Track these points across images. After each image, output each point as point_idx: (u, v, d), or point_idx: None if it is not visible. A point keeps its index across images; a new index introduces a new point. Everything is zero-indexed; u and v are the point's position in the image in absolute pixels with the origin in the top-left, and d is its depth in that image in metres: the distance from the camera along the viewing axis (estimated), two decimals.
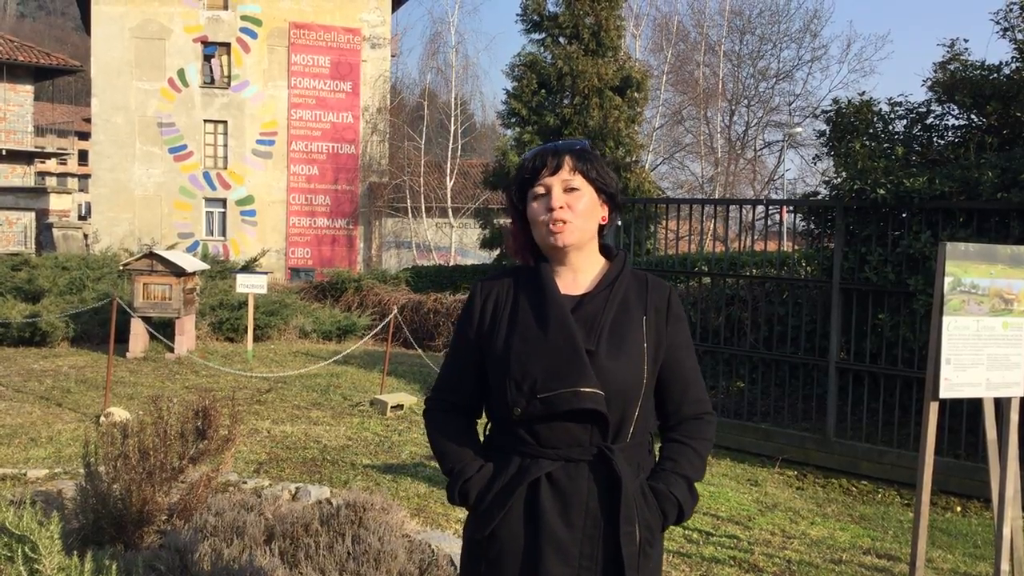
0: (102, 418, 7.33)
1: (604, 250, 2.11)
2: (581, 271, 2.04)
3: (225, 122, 29.28)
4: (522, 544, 1.92)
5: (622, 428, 1.95)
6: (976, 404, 4.69)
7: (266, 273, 13.26)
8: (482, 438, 2.11)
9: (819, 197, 8.84)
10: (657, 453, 2.10)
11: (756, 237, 10.35)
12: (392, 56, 32.14)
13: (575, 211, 1.98)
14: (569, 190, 1.99)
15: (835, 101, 8.87)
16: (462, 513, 3.65)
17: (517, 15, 22.44)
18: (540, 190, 2.01)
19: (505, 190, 2.17)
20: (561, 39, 21.75)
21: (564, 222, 1.97)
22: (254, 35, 29.40)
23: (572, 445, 1.92)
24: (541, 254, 2.07)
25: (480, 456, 2.03)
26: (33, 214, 27.31)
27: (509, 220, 2.15)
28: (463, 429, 2.09)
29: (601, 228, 2.08)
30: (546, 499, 1.91)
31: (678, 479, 2.00)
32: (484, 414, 2.13)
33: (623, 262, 2.08)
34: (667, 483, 1.99)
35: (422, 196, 29.56)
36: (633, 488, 1.93)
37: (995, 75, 8.10)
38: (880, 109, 8.62)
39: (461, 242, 29.82)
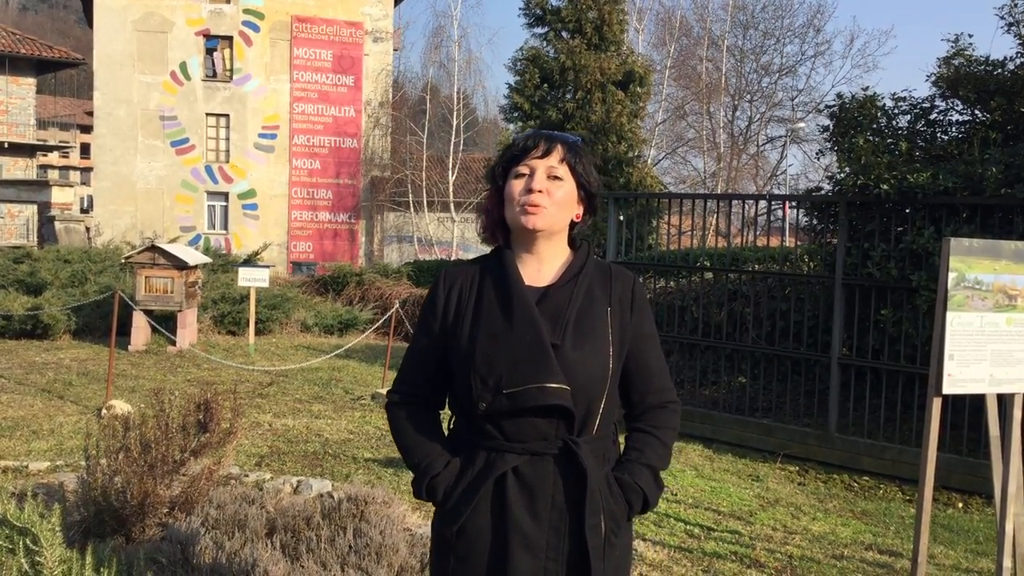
0: (104, 411, 7.33)
1: (571, 243, 2.10)
2: (546, 261, 2.04)
3: (227, 116, 29.24)
4: (489, 538, 1.92)
5: (587, 421, 1.95)
6: (979, 400, 4.68)
7: (268, 267, 13.25)
8: (446, 431, 2.10)
9: (822, 192, 8.82)
10: (622, 442, 2.10)
11: (758, 232, 10.33)
12: (394, 50, 32.07)
13: (553, 198, 1.98)
14: (552, 178, 2.00)
15: (839, 96, 8.85)
16: None
17: (520, 9, 22.42)
18: (524, 170, 2.01)
19: (490, 166, 2.16)
20: (564, 33, 21.72)
21: (539, 205, 1.97)
22: (256, 28, 29.35)
23: (537, 439, 1.92)
24: (509, 237, 2.06)
25: (446, 451, 2.02)
26: (35, 207, 27.33)
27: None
28: (428, 423, 2.07)
29: (573, 225, 2.07)
30: (512, 493, 1.91)
31: (643, 469, 2.01)
32: (448, 407, 2.11)
33: (587, 253, 2.08)
34: (632, 474, 2.00)
35: (424, 190, 29.52)
36: (598, 480, 1.93)
37: (1000, 70, 8.07)
38: (884, 104, 8.60)
39: (463, 237, 29.80)
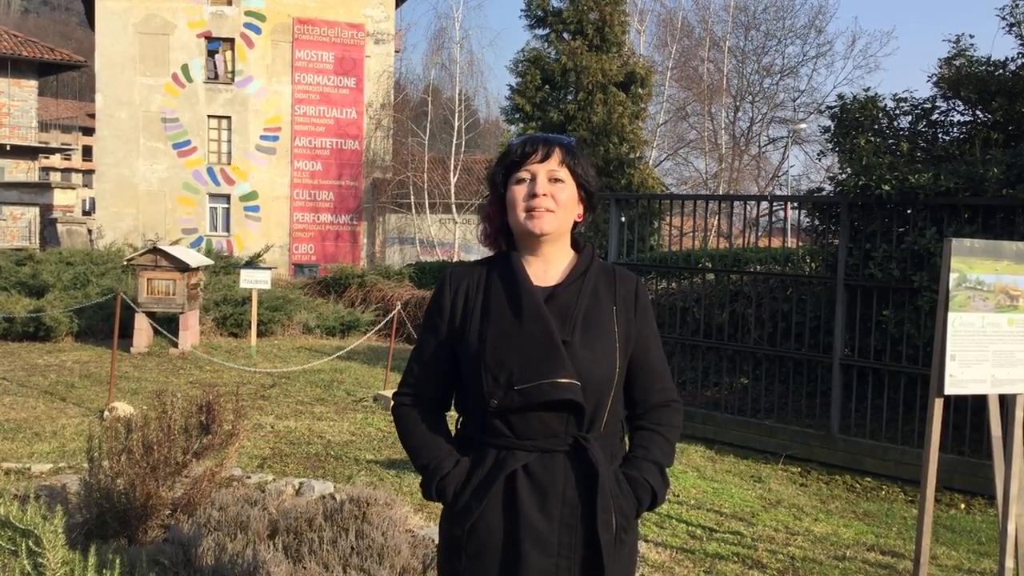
0: (106, 413, 7.34)
1: (573, 244, 2.12)
2: (552, 262, 2.06)
3: (229, 118, 29.25)
4: (501, 536, 1.93)
5: (596, 418, 1.97)
6: (980, 400, 4.68)
7: (270, 269, 13.27)
8: (452, 432, 2.11)
9: (824, 193, 8.82)
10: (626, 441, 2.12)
11: (760, 233, 10.33)
12: (396, 52, 32.08)
13: (557, 201, 2.00)
14: (554, 180, 2.01)
15: (840, 97, 8.85)
16: None
17: (521, 11, 22.44)
18: (525, 175, 2.02)
19: (488, 174, 2.17)
20: (565, 35, 21.73)
21: (545, 209, 1.99)
22: (258, 30, 29.37)
23: (548, 436, 1.94)
24: (513, 243, 2.07)
25: (454, 451, 2.03)
26: (37, 209, 27.36)
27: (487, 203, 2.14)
28: (435, 424, 2.08)
29: (575, 225, 2.09)
30: (523, 490, 1.92)
31: (650, 466, 2.03)
32: (453, 407, 2.12)
33: (591, 255, 2.10)
34: (640, 470, 2.01)
35: (425, 192, 29.52)
36: (608, 476, 1.95)
37: (1001, 71, 8.07)
38: (885, 105, 8.60)
39: (464, 238, 29.80)
